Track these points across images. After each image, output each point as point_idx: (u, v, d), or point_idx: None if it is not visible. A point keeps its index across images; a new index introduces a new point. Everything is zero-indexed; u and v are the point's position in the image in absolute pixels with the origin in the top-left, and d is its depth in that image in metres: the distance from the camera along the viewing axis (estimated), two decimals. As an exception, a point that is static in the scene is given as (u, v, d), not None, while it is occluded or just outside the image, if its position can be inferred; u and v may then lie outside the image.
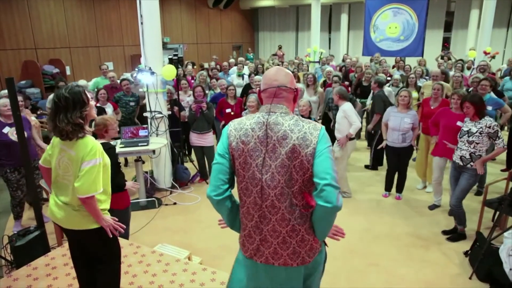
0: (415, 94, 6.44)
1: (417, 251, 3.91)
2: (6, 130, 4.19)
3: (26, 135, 4.17)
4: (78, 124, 2.23)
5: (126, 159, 6.83)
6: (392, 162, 5.17)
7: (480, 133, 3.75)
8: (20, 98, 4.63)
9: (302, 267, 1.80)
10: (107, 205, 2.44)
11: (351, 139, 5.05)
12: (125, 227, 2.51)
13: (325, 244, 1.96)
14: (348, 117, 4.93)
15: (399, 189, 5.24)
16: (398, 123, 4.88)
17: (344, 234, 1.95)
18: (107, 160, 2.39)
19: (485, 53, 10.25)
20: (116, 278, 2.58)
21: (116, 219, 2.44)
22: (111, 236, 2.38)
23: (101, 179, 2.28)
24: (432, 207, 4.87)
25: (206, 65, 11.33)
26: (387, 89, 6.46)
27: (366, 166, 6.46)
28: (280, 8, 17.69)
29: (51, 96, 2.33)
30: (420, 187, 5.53)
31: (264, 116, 1.75)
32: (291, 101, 1.83)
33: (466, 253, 3.73)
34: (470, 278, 3.38)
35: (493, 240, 3.38)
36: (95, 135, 3.69)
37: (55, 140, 2.39)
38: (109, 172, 2.43)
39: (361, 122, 5.57)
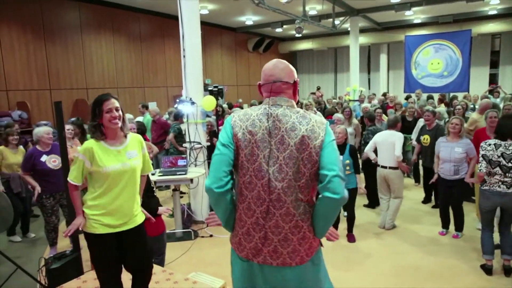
0: None
1: (480, 292, 3.45)
2: (43, 158, 4.31)
3: (58, 163, 4.31)
4: (90, 129, 2.45)
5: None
6: (444, 196, 4.76)
7: None
8: (69, 126, 4.84)
9: (300, 268, 1.73)
10: (94, 211, 2.43)
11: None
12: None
13: (321, 245, 1.88)
14: None
15: (457, 227, 4.76)
16: (449, 153, 4.54)
17: (337, 236, 1.91)
18: (95, 164, 2.39)
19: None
20: None
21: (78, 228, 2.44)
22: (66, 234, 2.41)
23: (80, 173, 2.40)
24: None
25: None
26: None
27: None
28: (318, 51, 18.01)
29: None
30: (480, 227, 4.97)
31: (270, 108, 1.74)
32: (291, 95, 1.81)
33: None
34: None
35: None
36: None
37: None
38: (100, 179, 2.42)
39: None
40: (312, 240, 1.75)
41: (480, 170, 3.68)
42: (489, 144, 3.63)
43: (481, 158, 3.67)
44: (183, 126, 5.83)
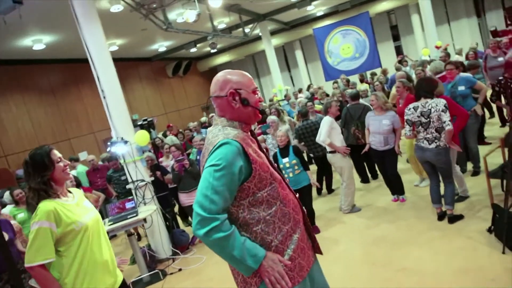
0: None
1: (440, 243, 3.70)
2: None
3: (8, 237, 3.92)
4: (38, 190, 2.03)
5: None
6: (381, 166, 5.09)
7: None
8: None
9: None
10: (87, 277, 2.06)
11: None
12: None
13: None
14: None
15: (400, 191, 5.09)
16: (378, 126, 4.86)
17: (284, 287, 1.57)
18: (66, 223, 2.00)
19: (437, 47, 10.72)
20: None
21: None
22: None
23: (51, 246, 1.94)
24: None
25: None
26: (362, 101, 6.47)
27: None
28: (237, 61, 18.35)
29: None
30: (418, 183, 5.40)
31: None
32: (226, 108, 1.72)
33: (489, 230, 3.54)
34: (503, 252, 3.17)
35: (511, 208, 3.24)
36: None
37: None
38: (77, 242, 2.05)
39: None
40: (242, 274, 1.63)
41: (405, 134, 4.07)
42: (409, 109, 3.96)
43: (406, 123, 3.99)
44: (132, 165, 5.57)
